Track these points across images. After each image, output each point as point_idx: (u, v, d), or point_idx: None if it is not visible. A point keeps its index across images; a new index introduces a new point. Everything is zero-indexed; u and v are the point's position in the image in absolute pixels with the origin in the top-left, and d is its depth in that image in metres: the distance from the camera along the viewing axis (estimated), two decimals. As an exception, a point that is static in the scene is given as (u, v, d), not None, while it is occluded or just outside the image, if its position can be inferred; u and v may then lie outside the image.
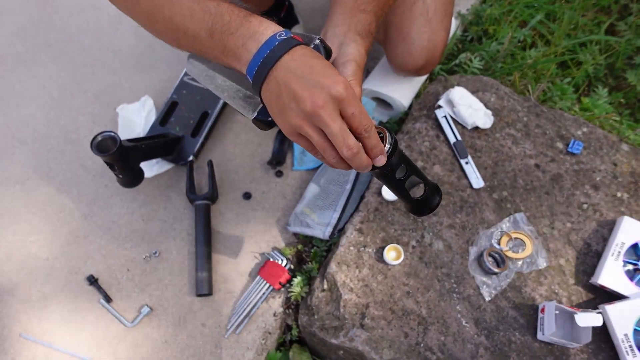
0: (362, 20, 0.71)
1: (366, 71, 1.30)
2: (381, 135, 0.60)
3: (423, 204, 0.66)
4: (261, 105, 0.62)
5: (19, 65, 1.36)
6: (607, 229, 0.95)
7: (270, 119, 0.62)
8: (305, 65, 0.55)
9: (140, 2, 0.67)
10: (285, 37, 0.57)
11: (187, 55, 0.80)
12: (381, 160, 0.58)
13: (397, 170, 0.61)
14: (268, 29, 0.58)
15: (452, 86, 1.10)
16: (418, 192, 0.65)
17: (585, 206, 0.97)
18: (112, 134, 0.93)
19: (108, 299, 1.04)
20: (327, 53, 0.62)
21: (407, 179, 0.62)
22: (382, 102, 1.19)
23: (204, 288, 1.02)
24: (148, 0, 0.66)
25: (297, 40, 0.57)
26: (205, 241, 1.06)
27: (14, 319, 1.04)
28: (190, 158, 1.15)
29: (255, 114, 0.64)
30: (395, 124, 1.17)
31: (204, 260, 1.04)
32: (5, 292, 1.07)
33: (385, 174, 0.62)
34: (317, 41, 0.61)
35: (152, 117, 1.22)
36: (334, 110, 0.55)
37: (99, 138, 0.93)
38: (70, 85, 1.32)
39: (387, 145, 0.59)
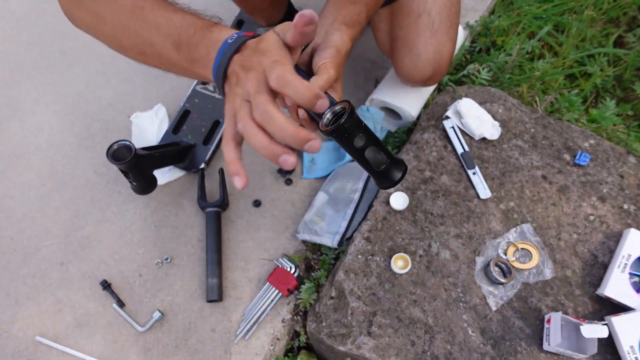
0: (351, 10, 0.73)
1: (375, 81, 1.32)
2: (344, 107, 0.61)
3: (384, 176, 0.66)
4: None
5: (35, 72, 1.40)
6: (613, 241, 0.96)
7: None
8: (252, 59, 0.58)
9: (106, 20, 0.70)
10: (234, 38, 0.60)
11: None
12: (323, 104, 0.56)
13: (356, 139, 0.62)
14: (226, 36, 0.61)
15: (460, 97, 1.12)
16: (382, 165, 0.66)
17: (591, 218, 0.98)
18: (128, 143, 0.96)
19: (121, 304, 1.06)
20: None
21: (366, 149, 0.63)
22: (391, 112, 1.20)
23: (214, 294, 1.04)
24: (114, 17, 0.69)
25: (245, 37, 0.60)
26: (216, 248, 1.08)
27: (29, 321, 1.07)
28: (202, 166, 1.17)
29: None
30: (404, 134, 1.19)
31: (214, 267, 1.06)
32: (21, 295, 1.09)
33: (343, 140, 0.62)
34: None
35: (165, 125, 1.25)
36: (264, 89, 0.56)
37: (115, 147, 0.95)
38: (85, 93, 1.35)
39: (343, 119, 0.58)
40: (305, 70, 0.69)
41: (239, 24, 1.36)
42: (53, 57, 1.42)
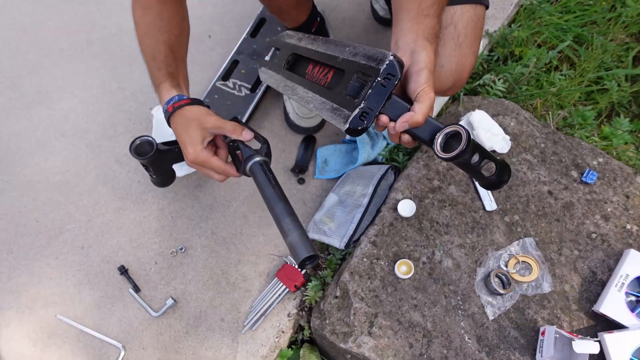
0: (428, 24, 0.77)
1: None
2: (458, 132, 0.70)
3: (496, 181, 0.77)
4: (352, 114, 0.72)
5: (62, 61, 1.45)
6: (613, 260, 0.98)
7: (360, 127, 0.72)
8: (179, 135, 0.89)
9: (138, 25, 0.94)
10: (164, 110, 0.90)
11: (257, 65, 1.08)
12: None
13: (472, 157, 0.72)
14: (163, 100, 0.91)
15: (474, 108, 1.14)
16: (489, 171, 0.76)
17: (594, 235, 1.01)
18: (150, 138, 1.00)
19: (137, 289, 1.12)
20: (401, 66, 0.70)
21: (481, 163, 0.73)
22: (404, 118, 1.23)
23: (306, 248, 0.73)
24: (137, 24, 0.93)
25: (169, 112, 0.89)
26: (282, 197, 0.82)
27: (51, 300, 1.14)
28: (219, 161, 1.21)
29: (348, 125, 0.72)
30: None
31: (289, 219, 0.78)
32: (44, 275, 1.16)
33: (463, 164, 0.73)
34: (391, 57, 0.69)
35: (185, 119, 1.29)
36: (199, 166, 0.90)
37: (137, 142, 1.00)
38: (110, 83, 1.40)
39: (463, 144, 0.68)
40: (400, 95, 0.74)
41: (260, 22, 1.39)
42: (80, 46, 1.47)
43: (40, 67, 1.44)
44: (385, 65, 0.70)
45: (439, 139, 0.71)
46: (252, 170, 0.87)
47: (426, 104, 0.71)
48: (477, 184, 1.05)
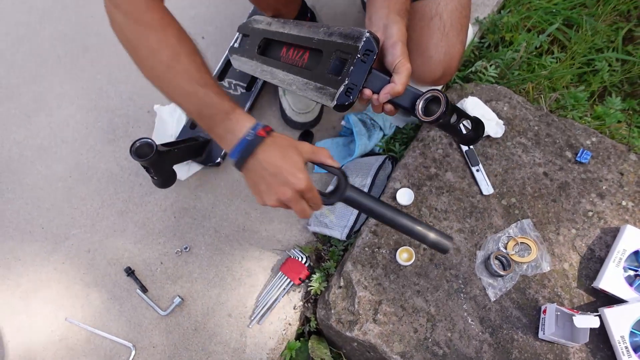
0: (399, 0, 0.84)
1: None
2: (437, 96, 0.77)
3: (473, 137, 0.84)
4: (339, 91, 0.78)
5: (59, 68, 1.46)
6: (610, 236, 1.00)
7: (347, 103, 0.78)
8: (274, 165, 0.71)
9: (143, 59, 0.77)
10: (252, 137, 0.72)
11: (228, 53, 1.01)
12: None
13: (451, 119, 0.79)
14: (243, 128, 0.73)
15: (467, 95, 1.15)
16: (465, 128, 0.83)
17: (590, 214, 1.02)
18: (149, 140, 1.02)
19: (144, 289, 1.14)
20: (377, 41, 0.77)
21: (459, 122, 0.80)
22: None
23: (448, 240, 0.78)
24: (151, 61, 0.76)
25: (261, 137, 0.73)
26: (396, 209, 0.79)
27: (60, 304, 1.16)
28: (218, 160, 1.23)
29: (335, 102, 0.79)
30: (412, 130, 1.23)
31: (418, 224, 0.78)
32: (52, 279, 1.18)
33: (444, 125, 0.80)
34: (367, 34, 0.76)
35: (183, 121, 1.31)
36: (297, 198, 0.73)
37: (137, 144, 1.02)
38: (107, 88, 1.42)
39: (443, 106, 0.75)
40: (379, 68, 0.80)
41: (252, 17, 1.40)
42: (76, 52, 1.48)
43: (38, 75, 1.45)
44: (363, 42, 0.76)
45: (419, 105, 0.79)
46: (350, 197, 0.78)
47: (404, 74, 0.78)
48: (474, 170, 1.07)
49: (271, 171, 0.71)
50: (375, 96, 0.81)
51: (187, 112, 0.78)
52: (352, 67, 0.77)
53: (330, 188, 1.13)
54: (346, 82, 0.77)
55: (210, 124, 0.75)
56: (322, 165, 0.77)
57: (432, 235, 0.78)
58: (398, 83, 0.78)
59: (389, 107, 0.83)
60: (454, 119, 0.79)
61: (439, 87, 1.15)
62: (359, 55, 0.76)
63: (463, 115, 0.80)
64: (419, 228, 0.78)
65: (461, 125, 0.80)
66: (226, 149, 0.75)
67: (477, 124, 0.83)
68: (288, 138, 0.76)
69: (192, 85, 0.74)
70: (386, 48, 0.81)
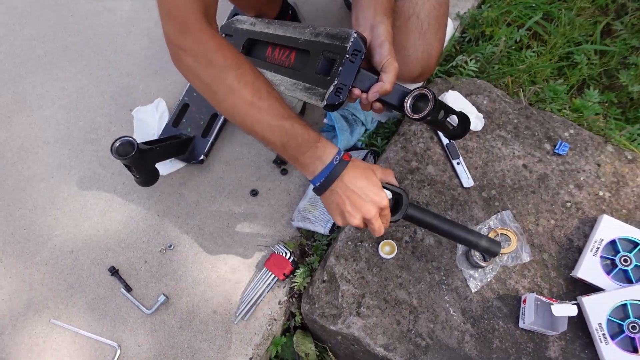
0: (384, 0, 0.86)
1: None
2: (424, 94, 0.78)
3: (460, 132, 0.86)
4: (328, 91, 0.80)
5: (39, 68, 1.45)
6: (588, 226, 1.01)
7: (337, 102, 0.81)
8: (359, 186, 0.77)
9: (222, 100, 0.78)
10: (338, 161, 0.77)
11: None
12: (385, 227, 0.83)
13: (439, 115, 0.81)
14: (330, 155, 0.77)
15: (447, 89, 1.16)
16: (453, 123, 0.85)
17: (568, 204, 1.04)
18: (130, 139, 1.02)
19: (128, 289, 1.14)
20: (364, 41, 0.79)
21: (446, 118, 0.82)
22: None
23: (497, 245, 0.90)
24: (233, 106, 0.77)
25: (347, 161, 0.78)
26: (450, 221, 0.89)
27: (44, 305, 1.15)
28: (202, 157, 1.23)
29: (325, 102, 0.80)
30: (393, 125, 1.24)
31: (471, 233, 0.88)
32: (36, 281, 1.17)
33: (432, 121, 0.81)
34: (355, 34, 0.78)
35: (165, 119, 1.30)
36: (378, 216, 0.79)
37: (118, 143, 1.01)
38: (88, 87, 1.41)
39: (431, 103, 0.77)
40: (367, 67, 0.82)
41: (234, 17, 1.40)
42: (56, 52, 1.47)
43: (18, 76, 1.44)
44: (350, 43, 0.77)
45: (408, 103, 0.80)
46: (411, 215, 0.84)
47: (392, 73, 0.80)
48: (454, 163, 1.08)
49: (358, 192, 0.77)
50: (364, 95, 0.82)
51: (271, 144, 0.79)
52: (340, 67, 0.79)
53: None
54: (335, 82, 0.79)
55: (297, 153, 0.78)
56: (388, 185, 0.82)
57: (483, 243, 0.87)
58: (386, 82, 0.79)
59: (377, 105, 0.84)
60: (441, 115, 0.80)
61: (420, 84, 1.17)
62: (347, 56, 0.78)
63: (450, 111, 0.82)
64: (471, 239, 0.87)
65: (448, 120, 0.82)
66: (311, 175, 0.79)
67: (464, 119, 0.85)
68: (364, 162, 0.81)
69: (277, 119, 0.76)
70: (374, 48, 0.82)
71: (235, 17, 1.15)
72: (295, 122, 0.77)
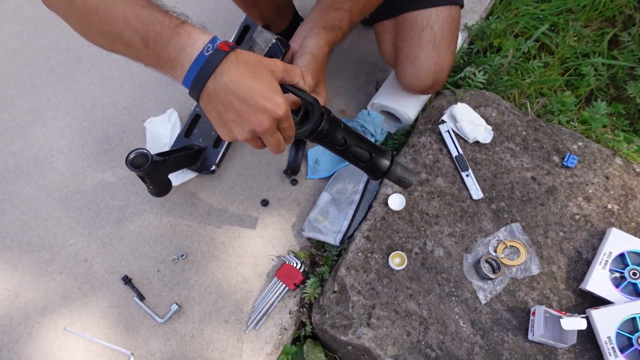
0: (333, 16, 0.83)
1: (376, 84, 1.38)
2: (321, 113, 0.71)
3: (372, 168, 0.79)
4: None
5: (53, 79, 1.48)
6: (597, 239, 1.02)
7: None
8: (245, 88, 0.60)
9: (74, 2, 0.65)
10: (211, 51, 0.59)
11: None
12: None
13: (337, 139, 0.73)
14: (197, 42, 0.60)
15: (456, 101, 1.18)
16: (368, 159, 0.78)
17: (577, 217, 1.05)
18: (144, 151, 1.04)
19: (141, 297, 1.15)
20: (284, 47, 0.81)
21: (349, 147, 0.75)
22: (391, 115, 1.27)
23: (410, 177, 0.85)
24: (83, 1, 0.64)
25: (224, 51, 0.59)
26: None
27: (59, 314, 1.17)
28: (213, 168, 1.25)
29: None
30: (402, 136, 1.25)
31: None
32: (50, 289, 1.19)
33: (325, 143, 0.74)
34: (274, 41, 0.82)
35: (177, 129, 1.32)
36: (275, 129, 0.64)
37: (132, 155, 1.03)
38: (101, 98, 1.43)
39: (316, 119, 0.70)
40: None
41: (244, 29, 1.42)
42: (70, 63, 1.49)
43: (32, 86, 1.46)
44: (268, 49, 0.84)
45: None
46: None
47: (296, 80, 0.70)
48: (463, 175, 1.09)
49: (242, 95, 0.60)
50: None
51: (132, 47, 0.63)
52: None
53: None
54: None
55: (159, 47, 0.61)
56: (293, 89, 0.68)
57: (398, 171, 0.80)
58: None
59: None
60: (342, 141, 0.73)
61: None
62: None
63: (357, 139, 0.76)
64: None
65: (351, 148, 0.75)
66: (180, 76, 0.62)
67: (381, 154, 0.77)
68: (255, 54, 0.64)
69: (133, 8, 0.61)
70: (297, 57, 0.79)
71: None
72: (155, 10, 0.62)
